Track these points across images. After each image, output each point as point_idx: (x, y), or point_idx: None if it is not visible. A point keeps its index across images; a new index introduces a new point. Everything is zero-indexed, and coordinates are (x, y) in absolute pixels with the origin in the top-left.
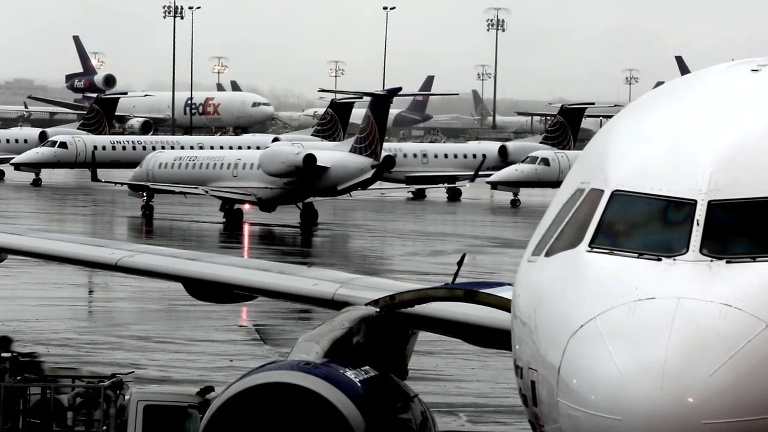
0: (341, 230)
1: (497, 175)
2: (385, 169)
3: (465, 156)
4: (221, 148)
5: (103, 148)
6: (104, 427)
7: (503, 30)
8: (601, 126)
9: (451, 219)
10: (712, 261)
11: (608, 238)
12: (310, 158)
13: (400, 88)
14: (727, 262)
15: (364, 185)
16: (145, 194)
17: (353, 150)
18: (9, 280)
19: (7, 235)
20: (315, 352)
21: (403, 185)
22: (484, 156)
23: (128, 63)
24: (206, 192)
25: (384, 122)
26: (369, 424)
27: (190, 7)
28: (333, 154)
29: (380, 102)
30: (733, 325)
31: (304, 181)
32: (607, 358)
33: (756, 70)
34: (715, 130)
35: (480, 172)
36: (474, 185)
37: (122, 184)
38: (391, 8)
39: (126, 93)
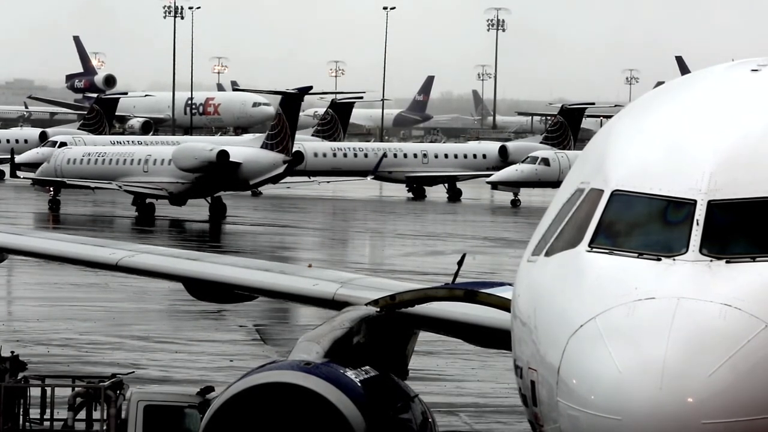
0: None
1: (497, 175)
2: (295, 165)
3: (465, 156)
4: None
5: None
6: (104, 427)
7: (503, 30)
8: (601, 126)
9: (451, 219)
10: (711, 261)
11: (608, 238)
12: (223, 154)
13: (310, 87)
14: (727, 262)
15: (275, 180)
16: (51, 189)
17: (264, 146)
18: (9, 280)
19: (8, 235)
20: (315, 352)
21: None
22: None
23: (128, 63)
24: (120, 187)
25: (295, 119)
26: (369, 424)
27: (190, 7)
28: (245, 150)
29: (291, 100)
30: (733, 325)
31: (216, 176)
32: (606, 358)
33: (756, 70)
34: (715, 130)
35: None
36: (474, 185)
37: (30, 179)
38: (391, 8)
39: (126, 93)
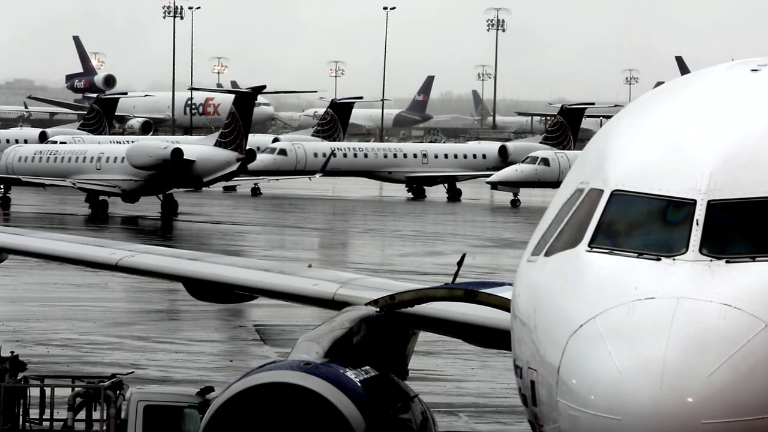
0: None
1: (497, 175)
2: (248, 162)
3: (465, 156)
4: None
5: None
6: (104, 428)
7: (503, 30)
8: (601, 126)
9: (451, 219)
10: (711, 261)
11: (608, 238)
12: (177, 152)
13: (264, 86)
14: (727, 261)
15: (228, 177)
16: (2, 187)
17: (217, 144)
18: (9, 280)
19: (8, 235)
20: (315, 352)
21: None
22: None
23: (128, 63)
24: (73, 184)
25: (249, 117)
26: (369, 424)
27: (190, 7)
28: (199, 148)
29: (244, 99)
30: (733, 324)
31: (170, 173)
32: (606, 358)
33: (756, 70)
34: (714, 130)
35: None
36: (474, 185)
37: None
38: (391, 8)
39: (126, 93)
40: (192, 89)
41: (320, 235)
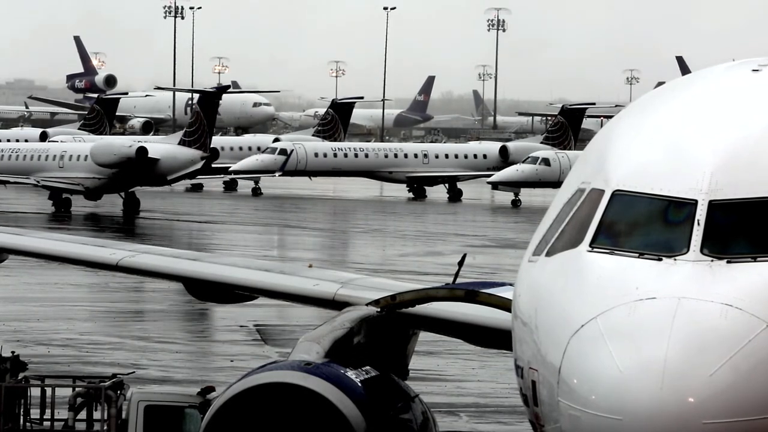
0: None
1: (498, 176)
2: (212, 161)
3: (466, 156)
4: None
5: None
6: (105, 428)
7: (504, 30)
8: (601, 126)
9: (452, 219)
10: (712, 261)
11: (609, 238)
12: (141, 150)
13: (228, 86)
14: (728, 262)
15: (192, 175)
16: None
17: (181, 143)
18: (10, 280)
19: (8, 235)
20: (316, 352)
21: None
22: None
23: (129, 63)
24: (37, 182)
25: (213, 117)
26: (370, 424)
27: (191, 7)
28: (163, 147)
29: (208, 98)
30: (734, 325)
31: (134, 171)
32: (607, 358)
33: (756, 70)
34: (715, 130)
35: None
36: (475, 185)
37: None
38: (392, 8)
39: (127, 93)
40: (158, 89)
41: (321, 235)
